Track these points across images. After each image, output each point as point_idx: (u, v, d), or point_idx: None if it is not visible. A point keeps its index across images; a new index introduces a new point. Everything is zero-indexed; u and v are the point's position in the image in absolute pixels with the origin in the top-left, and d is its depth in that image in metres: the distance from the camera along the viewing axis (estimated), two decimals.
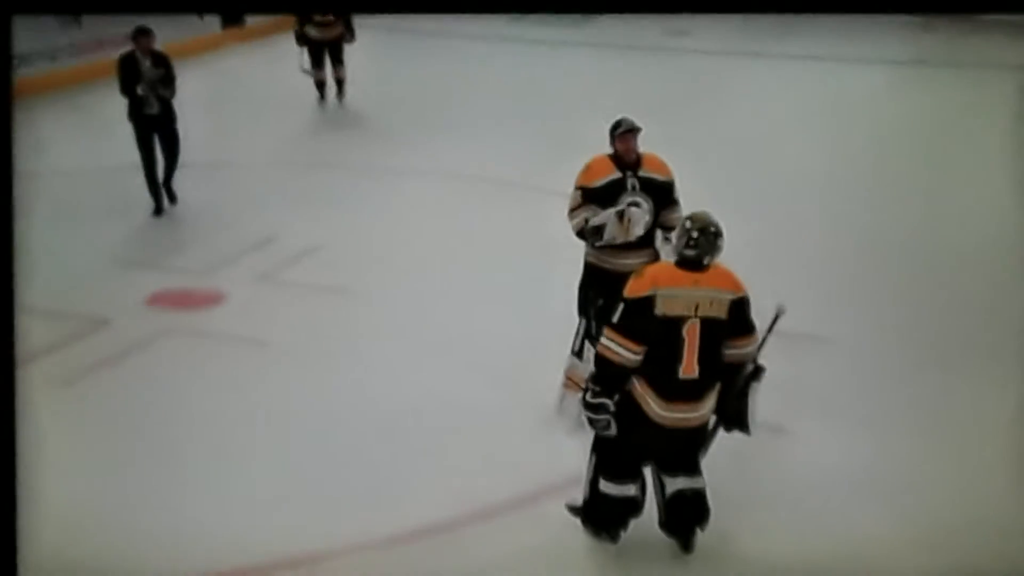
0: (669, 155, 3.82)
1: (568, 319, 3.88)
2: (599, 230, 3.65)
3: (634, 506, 3.25)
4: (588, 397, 3.13)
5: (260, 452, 3.73)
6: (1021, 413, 3.73)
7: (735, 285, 3.12)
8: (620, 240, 3.66)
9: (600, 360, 3.12)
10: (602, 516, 3.25)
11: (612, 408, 3.10)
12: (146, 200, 5.76)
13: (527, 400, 3.94)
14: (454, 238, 5.46)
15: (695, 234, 3.08)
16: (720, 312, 3.07)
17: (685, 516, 3.24)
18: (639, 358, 3.07)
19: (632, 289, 3.09)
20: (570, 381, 3.87)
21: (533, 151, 6.57)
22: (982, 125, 6.54)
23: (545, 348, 4.03)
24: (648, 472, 3.27)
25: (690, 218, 3.13)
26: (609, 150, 3.77)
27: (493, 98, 7.99)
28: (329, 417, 3.92)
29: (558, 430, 3.78)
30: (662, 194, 3.73)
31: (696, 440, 3.21)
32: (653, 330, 3.04)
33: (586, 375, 3.41)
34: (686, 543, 3.26)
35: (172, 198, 5.91)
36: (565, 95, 7.88)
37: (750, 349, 3.16)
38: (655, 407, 3.09)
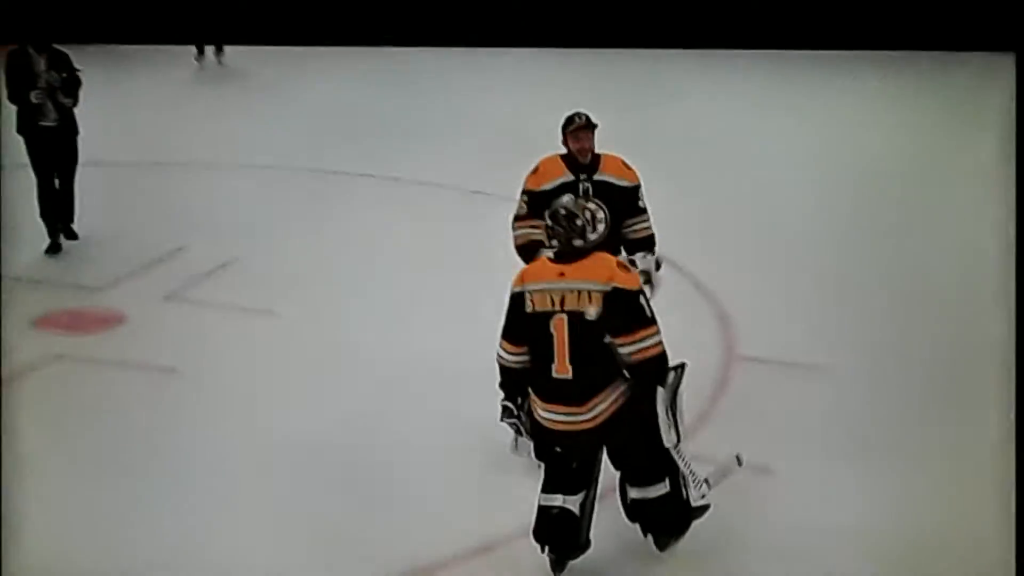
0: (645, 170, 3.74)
1: None
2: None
3: (565, 520, 3.20)
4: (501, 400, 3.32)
5: (159, 498, 3.58)
6: (1008, 450, 3.67)
7: (609, 275, 3.07)
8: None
9: (499, 367, 3.24)
10: (539, 531, 3.26)
11: (515, 412, 3.22)
12: (32, 205, 5.39)
13: (477, 436, 3.85)
14: (393, 249, 5.33)
15: (549, 223, 3.15)
16: (590, 305, 3.05)
17: (648, 522, 3.29)
18: (520, 359, 3.16)
19: (513, 284, 3.19)
20: None
21: (480, 153, 6.47)
22: (965, 151, 6.74)
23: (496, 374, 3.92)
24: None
25: (551, 214, 3.16)
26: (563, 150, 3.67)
27: (430, 97, 7.93)
28: (248, 458, 3.80)
29: (514, 469, 3.66)
30: (623, 201, 3.58)
31: (595, 448, 3.16)
32: (528, 328, 3.12)
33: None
34: (656, 541, 3.32)
35: (70, 233, 5.38)
36: (515, 92, 7.86)
37: (641, 346, 3.06)
38: (539, 409, 3.17)
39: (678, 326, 3.49)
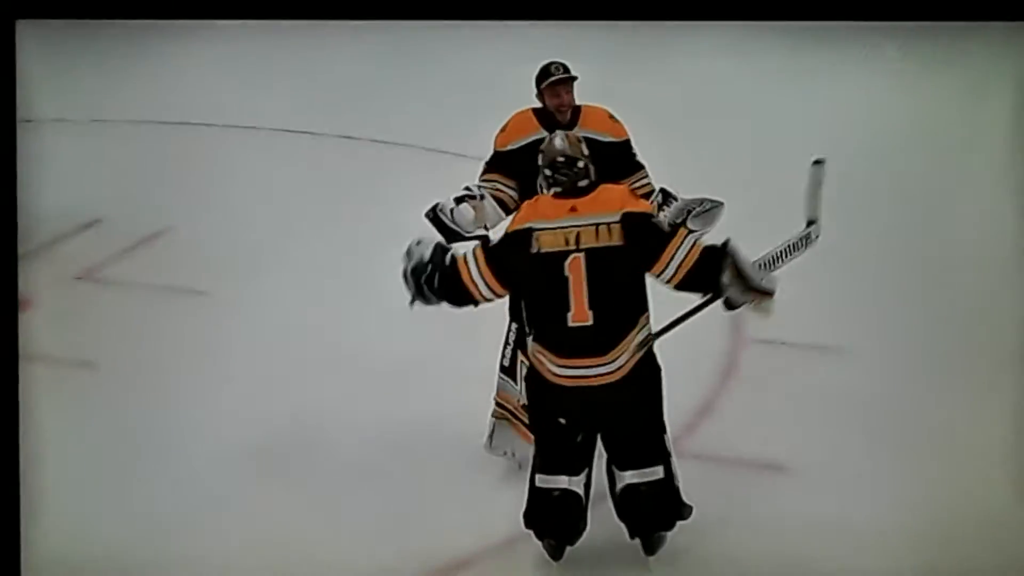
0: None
1: (497, 326, 3.73)
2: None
3: (570, 504, 3.24)
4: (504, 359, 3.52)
5: (88, 505, 3.55)
6: None
7: (625, 201, 3.15)
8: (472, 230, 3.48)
9: (454, 275, 3.19)
10: (537, 516, 3.28)
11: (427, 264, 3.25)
12: None
13: (447, 435, 3.87)
14: (347, 218, 5.26)
15: (548, 173, 3.20)
16: (611, 239, 3.09)
17: (640, 513, 3.26)
18: (491, 296, 3.20)
19: (511, 223, 3.21)
20: (501, 408, 3.73)
21: (446, 107, 6.46)
22: (981, 124, 6.90)
23: (467, 364, 3.96)
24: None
25: (540, 153, 3.21)
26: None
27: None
28: (182, 458, 3.78)
29: (489, 471, 3.70)
30: (612, 159, 3.46)
31: (616, 406, 3.16)
32: (529, 270, 3.12)
33: (521, 396, 3.49)
34: (645, 543, 3.29)
35: None
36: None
37: (681, 259, 3.11)
38: (550, 365, 3.15)
39: (677, 306, 3.42)
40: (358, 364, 4.21)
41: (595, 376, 3.11)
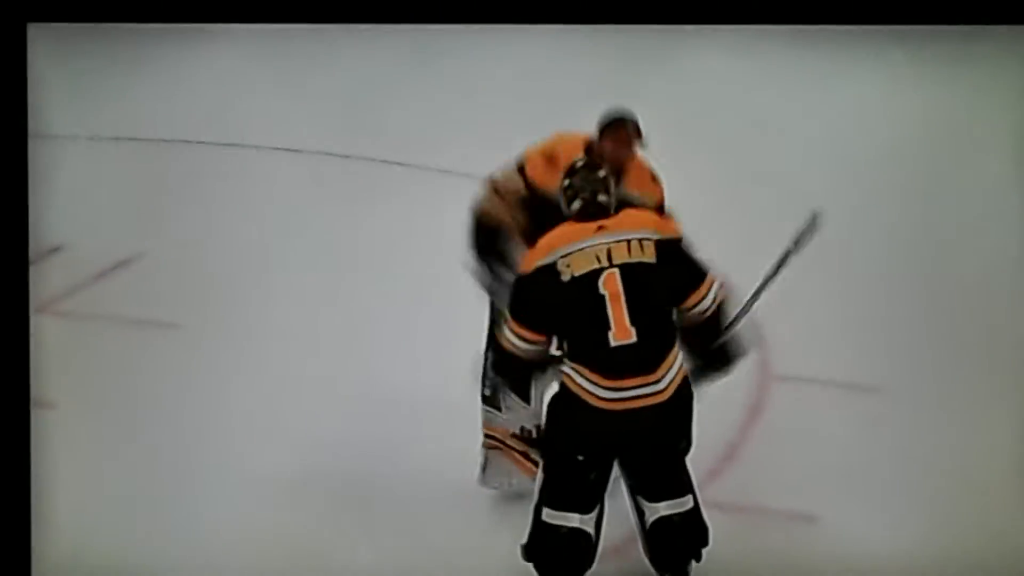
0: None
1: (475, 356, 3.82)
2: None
3: (579, 543, 3.29)
4: (485, 389, 3.64)
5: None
6: None
7: (659, 224, 3.27)
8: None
9: (498, 348, 3.35)
10: (542, 553, 3.32)
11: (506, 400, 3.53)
12: None
13: (436, 469, 3.89)
14: (333, 245, 5.27)
15: (567, 182, 3.27)
16: (644, 255, 3.19)
17: (675, 546, 3.32)
18: (536, 348, 3.23)
19: (527, 262, 3.24)
20: (491, 439, 3.77)
21: (444, 123, 6.46)
22: (986, 132, 7.02)
23: (454, 396, 3.95)
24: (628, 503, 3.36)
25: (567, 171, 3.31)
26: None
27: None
28: (156, 501, 3.81)
29: (483, 507, 3.75)
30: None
31: (662, 430, 3.23)
32: (565, 301, 3.18)
33: (511, 426, 3.64)
34: None
35: None
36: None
37: (711, 298, 3.27)
38: (595, 390, 3.18)
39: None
40: (342, 400, 4.23)
41: (645, 396, 3.17)
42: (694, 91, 7.99)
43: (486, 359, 3.76)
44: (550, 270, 3.18)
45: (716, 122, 7.54)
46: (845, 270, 5.29)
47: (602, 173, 3.26)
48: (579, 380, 3.19)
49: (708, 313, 3.27)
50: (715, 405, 3.77)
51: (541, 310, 3.22)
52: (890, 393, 4.39)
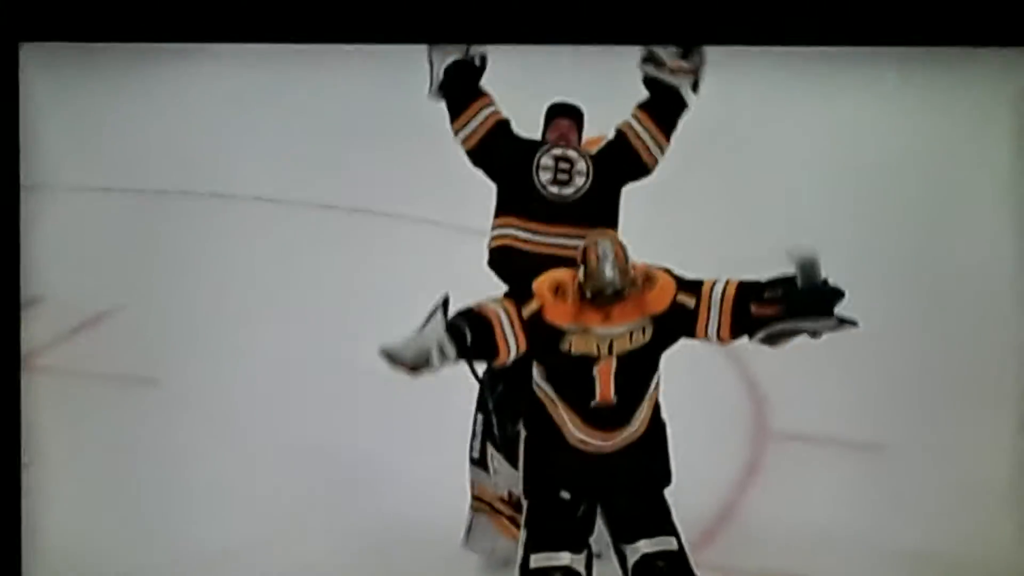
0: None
1: (465, 413, 3.84)
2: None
3: None
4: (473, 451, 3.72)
5: None
6: None
7: (655, 303, 3.34)
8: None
9: (481, 324, 3.32)
10: None
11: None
12: None
13: (421, 533, 3.90)
14: (318, 300, 5.27)
15: (590, 295, 3.33)
16: (643, 339, 3.34)
17: None
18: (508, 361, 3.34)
19: (540, 307, 3.34)
20: (479, 500, 3.83)
21: (432, 172, 6.43)
22: (980, 152, 7.01)
23: (441, 457, 3.98)
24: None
25: (587, 276, 3.34)
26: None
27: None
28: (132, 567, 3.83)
29: (468, 572, 3.79)
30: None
31: (639, 466, 3.37)
32: (556, 363, 3.35)
33: (499, 489, 3.69)
34: None
35: None
36: None
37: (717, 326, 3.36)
38: (572, 429, 3.36)
39: (696, 395, 3.53)
40: (324, 461, 4.27)
41: (614, 443, 3.34)
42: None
43: (476, 421, 3.82)
44: (555, 334, 3.32)
45: (704, 145, 7.63)
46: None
47: (627, 292, 3.31)
48: (560, 412, 3.35)
49: (730, 314, 3.36)
50: (710, 463, 3.82)
51: (538, 351, 3.34)
52: (892, 450, 4.40)
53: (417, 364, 3.32)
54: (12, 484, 3.54)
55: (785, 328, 3.37)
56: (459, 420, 3.86)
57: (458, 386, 3.79)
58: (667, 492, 3.41)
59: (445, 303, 3.36)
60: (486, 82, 3.92)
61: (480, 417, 3.80)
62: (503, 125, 3.76)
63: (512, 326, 3.31)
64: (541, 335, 3.33)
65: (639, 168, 3.75)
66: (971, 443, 4.45)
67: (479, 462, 3.81)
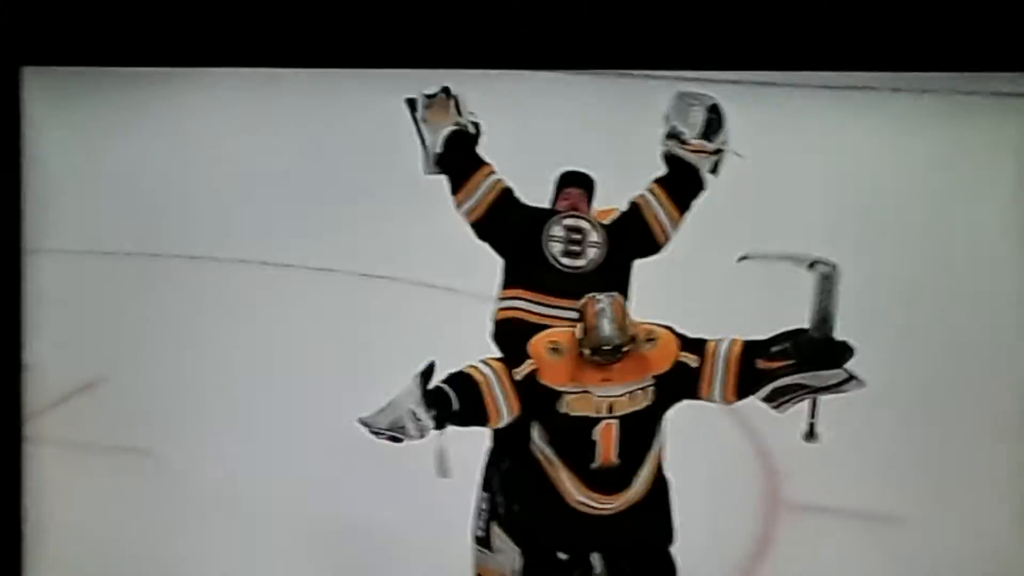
0: None
1: (466, 496, 3.85)
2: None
3: None
4: (478, 529, 3.67)
5: None
6: None
7: (659, 362, 3.38)
8: None
9: (469, 387, 3.36)
10: None
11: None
12: None
13: None
14: (314, 366, 5.24)
15: (588, 353, 3.35)
16: (644, 400, 3.36)
17: None
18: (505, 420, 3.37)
19: (535, 369, 3.37)
20: None
21: (424, 237, 6.47)
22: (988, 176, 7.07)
23: (445, 536, 3.97)
24: None
25: (585, 332, 3.36)
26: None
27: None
28: None
29: None
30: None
31: (642, 527, 3.41)
32: (554, 424, 3.37)
33: (503, 568, 3.67)
34: None
35: None
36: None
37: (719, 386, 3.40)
38: (573, 491, 3.40)
39: (707, 466, 3.55)
40: (321, 537, 4.28)
41: (616, 506, 3.38)
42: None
43: (480, 499, 3.81)
44: (552, 395, 3.35)
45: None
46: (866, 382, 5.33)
47: (626, 349, 3.35)
48: (559, 473, 3.39)
49: (736, 375, 3.40)
50: (720, 538, 3.80)
51: (532, 413, 3.38)
52: (913, 523, 4.37)
53: (393, 432, 3.34)
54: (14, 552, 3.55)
55: (791, 383, 3.37)
56: (462, 497, 3.85)
57: (460, 463, 3.77)
58: (676, 560, 3.43)
59: (427, 370, 3.38)
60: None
61: (485, 495, 3.79)
62: (507, 194, 3.77)
63: (502, 388, 3.32)
64: (537, 397, 3.32)
65: (650, 245, 3.76)
66: (990, 516, 4.45)
67: (483, 541, 3.80)
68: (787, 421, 4.56)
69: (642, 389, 3.35)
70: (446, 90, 3.86)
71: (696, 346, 3.38)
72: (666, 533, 3.42)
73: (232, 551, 4.26)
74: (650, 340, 3.39)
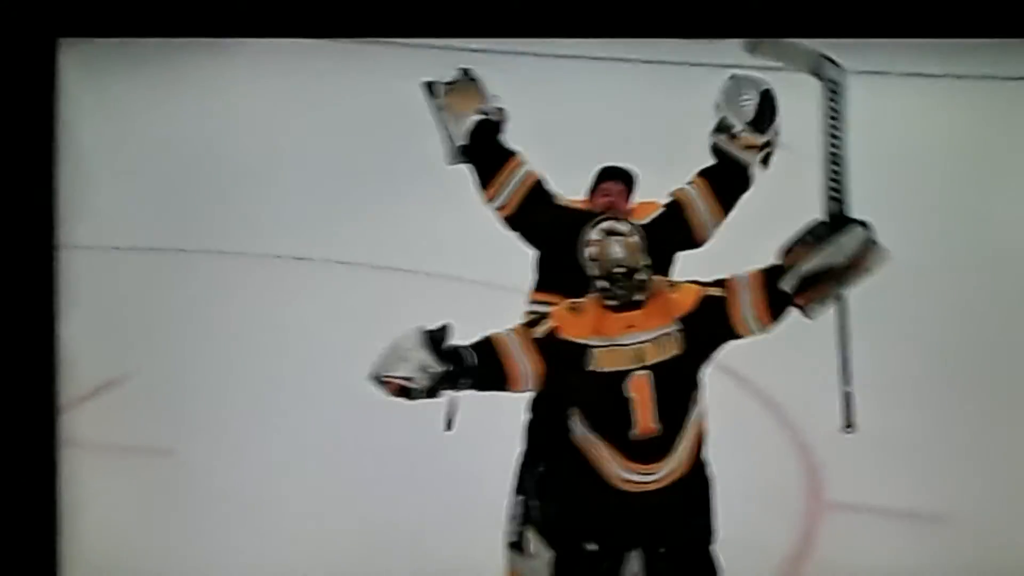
0: None
1: (499, 492, 3.83)
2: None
3: None
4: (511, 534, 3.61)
5: None
6: None
7: (683, 302, 3.31)
8: None
9: (489, 349, 3.31)
10: None
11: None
12: None
13: None
14: (334, 367, 5.02)
15: (602, 284, 3.30)
16: (673, 348, 3.28)
17: None
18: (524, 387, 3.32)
19: (558, 328, 3.30)
20: None
21: (451, 229, 6.35)
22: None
23: (473, 539, 4.03)
24: None
25: (594, 260, 3.32)
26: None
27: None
28: None
29: None
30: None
31: (682, 512, 3.32)
32: (583, 386, 3.28)
33: (536, 573, 3.62)
34: None
35: None
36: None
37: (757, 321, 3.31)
38: (616, 469, 3.30)
39: (745, 465, 3.49)
40: (345, 538, 4.27)
41: (660, 479, 3.28)
42: (705, 100, 8.08)
43: (513, 503, 3.77)
44: (578, 351, 3.26)
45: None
46: (899, 382, 5.16)
47: (640, 276, 3.28)
48: (602, 453, 3.29)
49: (765, 303, 3.33)
50: (762, 536, 3.79)
51: (560, 379, 3.29)
52: (955, 522, 4.37)
53: (402, 382, 3.30)
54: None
55: (815, 267, 3.28)
56: (494, 501, 3.86)
57: (491, 467, 3.89)
58: (719, 561, 3.37)
59: (440, 329, 3.36)
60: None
61: (519, 499, 3.77)
62: (539, 187, 3.69)
63: (523, 345, 3.27)
64: (562, 355, 3.28)
65: (689, 243, 3.69)
66: None
67: (516, 546, 3.78)
68: (828, 420, 4.59)
69: (669, 334, 3.28)
70: (467, 72, 3.76)
71: (718, 283, 3.35)
72: (706, 528, 3.37)
73: (255, 551, 4.27)
74: (672, 286, 3.37)
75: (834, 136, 3.62)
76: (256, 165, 6.57)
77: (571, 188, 3.86)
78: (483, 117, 3.70)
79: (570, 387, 3.31)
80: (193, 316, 5.65)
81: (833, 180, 3.59)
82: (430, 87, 3.74)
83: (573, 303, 3.33)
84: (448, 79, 3.73)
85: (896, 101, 8.01)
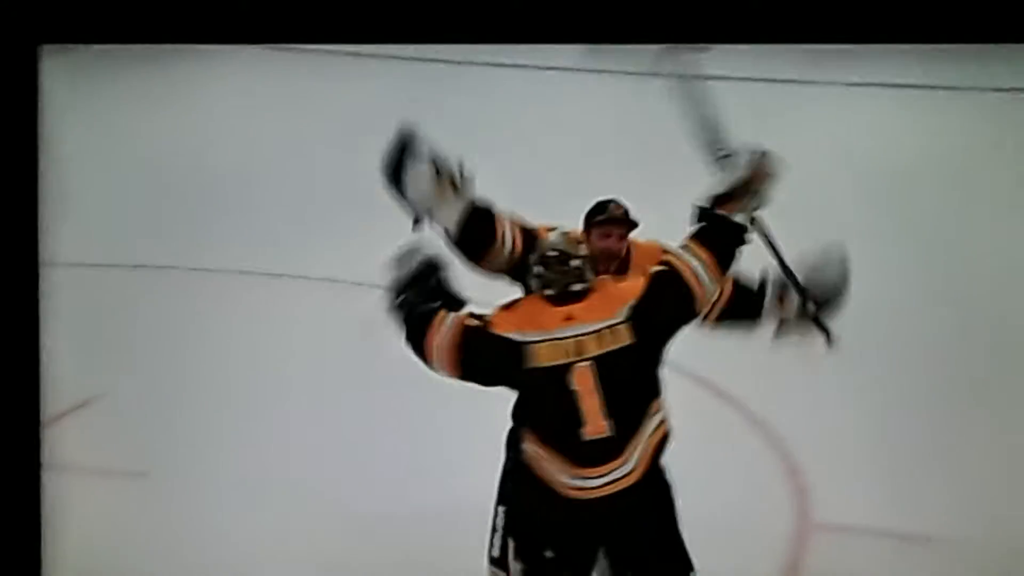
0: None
1: (483, 504, 3.76)
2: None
3: None
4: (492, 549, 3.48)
5: None
6: None
7: (634, 290, 3.26)
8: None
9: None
10: None
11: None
12: None
13: None
14: (308, 379, 5.29)
15: (537, 270, 3.28)
16: (619, 340, 3.21)
17: None
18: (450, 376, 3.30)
19: (502, 323, 3.27)
20: None
21: None
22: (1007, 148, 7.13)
23: (457, 558, 3.97)
24: None
25: (536, 255, 3.32)
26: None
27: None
28: None
29: None
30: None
31: (640, 515, 3.25)
32: (525, 383, 3.24)
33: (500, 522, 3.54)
34: None
35: None
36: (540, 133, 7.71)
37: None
38: (561, 476, 3.24)
39: (735, 485, 3.47)
40: (322, 559, 4.26)
41: (616, 481, 3.22)
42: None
43: (496, 514, 3.77)
44: (512, 348, 3.22)
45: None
46: (882, 401, 5.22)
47: (575, 263, 3.27)
48: (546, 465, 3.24)
49: (732, 295, 3.49)
50: (748, 558, 3.80)
51: (491, 368, 3.27)
52: (944, 543, 4.36)
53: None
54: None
55: (729, 185, 3.34)
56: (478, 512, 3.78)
57: (476, 471, 3.82)
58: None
59: (432, 261, 3.46)
60: None
61: (502, 509, 3.69)
62: (529, 237, 3.56)
63: (451, 324, 3.31)
64: (499, 355, 3.24)
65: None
66: (1021, 534, 4.47)
67: (499, 561, 3.68)
68: (815, 439, 4.59)
69: (612, 328, 3.23)
70: (435, 162, 3.54)
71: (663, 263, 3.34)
72: (668, 536, 3.31)
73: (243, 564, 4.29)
74: (618, 280, 3.37)
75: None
76: (237, 180, 6.56)
77: (556, 206, 3.88)
78: (470, 206, 3.54)
79: (513, 386, 3.27)
80: (168, 334, 5.66)
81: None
82: (394, 171, 3.61)
83: (509, 301, 3.32)
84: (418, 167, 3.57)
85: (877, 113, 8.06)
